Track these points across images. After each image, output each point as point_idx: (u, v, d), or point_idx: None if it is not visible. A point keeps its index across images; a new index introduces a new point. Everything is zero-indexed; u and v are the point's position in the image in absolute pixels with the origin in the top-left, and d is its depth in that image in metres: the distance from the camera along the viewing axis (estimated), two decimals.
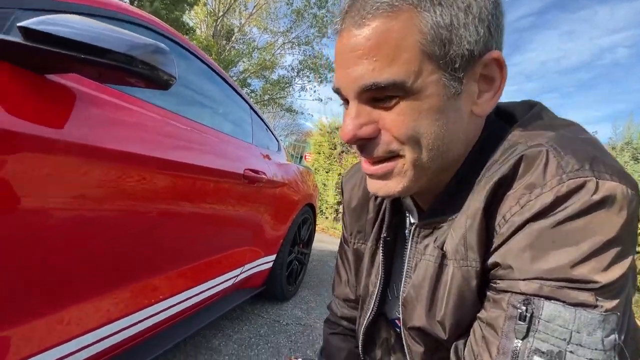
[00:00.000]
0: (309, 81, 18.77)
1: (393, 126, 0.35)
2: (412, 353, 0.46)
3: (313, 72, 18.41)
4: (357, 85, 0.35)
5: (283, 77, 18.69)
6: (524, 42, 51.08)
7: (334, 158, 6.45)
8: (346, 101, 0.39)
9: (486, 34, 0.34)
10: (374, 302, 0.53)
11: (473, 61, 0.35)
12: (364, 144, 0.38)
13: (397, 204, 0.52)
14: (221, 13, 16.90)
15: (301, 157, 7.16)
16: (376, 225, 0.54)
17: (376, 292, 0.52)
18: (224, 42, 19.07)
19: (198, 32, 17.50)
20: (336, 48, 0.37)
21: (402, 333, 0.48)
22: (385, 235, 0.50)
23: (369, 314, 0.54)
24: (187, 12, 12.68)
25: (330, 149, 6.50)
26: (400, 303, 0.47)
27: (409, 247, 0.47)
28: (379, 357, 0.57)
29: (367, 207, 0.55)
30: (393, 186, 0.39)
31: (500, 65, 0.36)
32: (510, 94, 58.00)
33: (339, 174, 6.28)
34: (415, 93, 0.34)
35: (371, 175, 0.41)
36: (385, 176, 0.39)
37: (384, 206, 0.53)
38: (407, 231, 0.51)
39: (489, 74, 0.37)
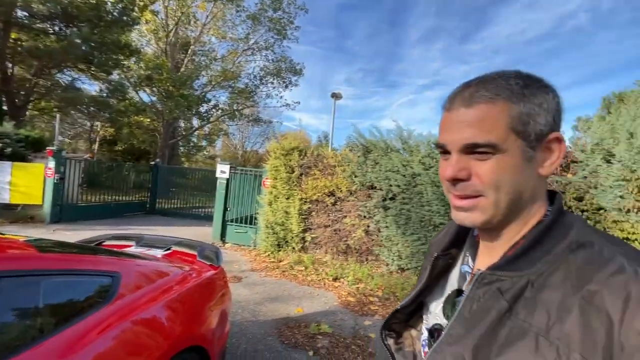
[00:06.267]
0: (274, 87, 18.05)
1: (483, 174, 0.50)
2: None
3: (276, 77, 17.67)
4: (462, 143, 0.50)
5: (247, 86, 17.89)
6: (489, 17, 51.41)
7: (293, 182, 5.90)
8: (446, 153, 0.54)
9: (551, 121, 0.50)
10: (410, 296, 0.68)
11: (542, 137, 0.50)
12: (458, 183, 0.52)
13: (457, 243, 0.67)
14: (171, 26, 15.93)
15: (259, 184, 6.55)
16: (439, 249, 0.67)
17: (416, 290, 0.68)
18: (182, 55, 18.13)
19: (149, 50, 16.51)
20: (444, 118, 0.54)
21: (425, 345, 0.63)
22: (437, 254, 0.66)
23: (403, 302, 0.69)
24: (126, 32, 11.75)
25: (288, 172, 5.94)
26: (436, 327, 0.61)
27: (468, 289, 0.54)
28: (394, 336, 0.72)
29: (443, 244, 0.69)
30: (476, 217, 0.52)
31: (559, 141, 0.52)
32: (480, 69, 58.35)
33: (301, 199, 5.74)
34: (503, 152, 0.49)
35: (459, 208, 0.54)
36: (470, 209, 0.52)
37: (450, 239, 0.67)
38: (466, 269, 0.63)
39: (551, 147, 0.52)
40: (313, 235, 5.70)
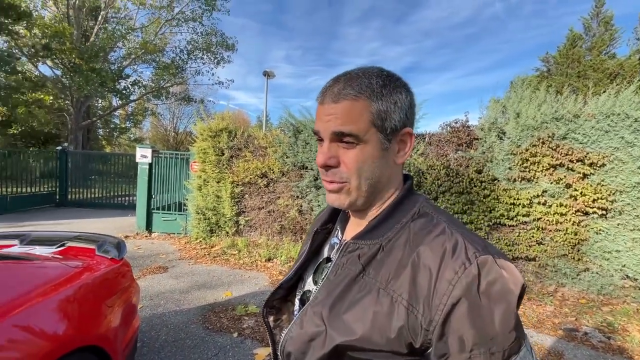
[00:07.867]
0: (204, 63, 16.71)
1: (349, 161, 0.57)
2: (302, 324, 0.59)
3: (206, 52, 16.36)
4: (331, 130, 0.57)
5: (174, 61, 16.27)
6: (420, 0, 53.98)
7: (223, 165, 5.67)
8: (321, 140, 0.60)
9: (404, 118, 0.58)
10: (292, 271, 0.72)
11: (396, 131, 0.58)
12: (329, 169, 0.59)
13: (335, 218, 0.76)
14: None
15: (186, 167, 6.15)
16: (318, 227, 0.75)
17: (297, 264, 0.73)
18: (91, 23, 15.65)
19: (48, 14, 13.90)
20: (318, 109, 0.60)
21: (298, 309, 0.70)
22: (317, 229, 0.74)
23: (286, 278, 0.73)
24: None
25: (217, 155, 5.68)
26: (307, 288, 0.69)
27: (335, 257, 0.62)
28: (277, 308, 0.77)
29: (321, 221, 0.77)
30: (343, 200, 0.60)
31: (410, 135, 0.60)
32: (413, 51, 61.57)
33: (233, 182, 5.56)
34: (364, 142, 0.56)
35: (330, 191, 0.61)
36: (338, 192, 0.59)
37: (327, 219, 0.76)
38: (335, 241, 0.71)
39: (404, 140, 0.60)
40: (247, 218, 5.62)
